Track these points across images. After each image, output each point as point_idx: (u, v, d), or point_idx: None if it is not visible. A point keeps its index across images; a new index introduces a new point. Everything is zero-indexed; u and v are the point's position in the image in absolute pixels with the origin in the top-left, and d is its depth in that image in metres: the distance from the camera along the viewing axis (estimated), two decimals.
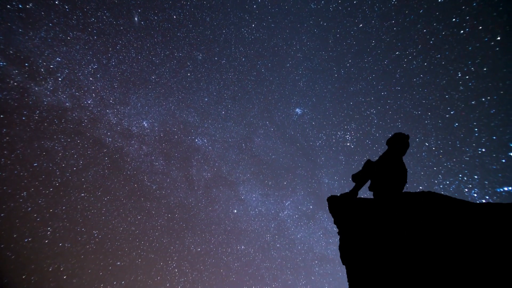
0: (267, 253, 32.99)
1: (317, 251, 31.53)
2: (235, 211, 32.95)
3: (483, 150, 22.99)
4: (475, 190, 23.47)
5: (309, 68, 29.93)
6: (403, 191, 4.08)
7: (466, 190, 23.82)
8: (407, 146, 4.17)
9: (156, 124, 30.68)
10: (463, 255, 2.57)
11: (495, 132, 22.48)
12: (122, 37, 26.86)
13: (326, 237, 31.04)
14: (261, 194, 32.41)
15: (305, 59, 29.55)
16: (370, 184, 4.32)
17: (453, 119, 24.07)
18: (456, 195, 24.09)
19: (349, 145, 29.41)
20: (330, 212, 4.38)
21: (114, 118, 29.41)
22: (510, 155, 21.85)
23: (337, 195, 4.45)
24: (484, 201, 23.21)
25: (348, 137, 29.16)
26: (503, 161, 22.10)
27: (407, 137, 4.18)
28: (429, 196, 3.40)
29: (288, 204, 32.13)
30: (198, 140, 31.91)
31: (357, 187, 4.34)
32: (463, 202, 3.13)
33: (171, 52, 28.61)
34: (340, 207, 4.21)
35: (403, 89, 25.77)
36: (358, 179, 4.35)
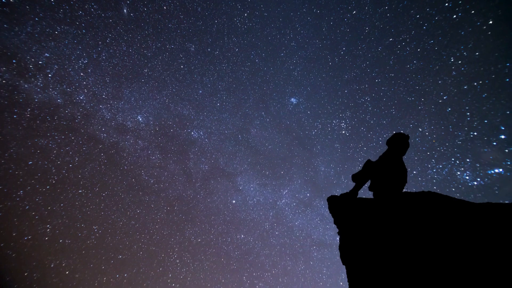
0: (266, 240, 33.74)
1: (315, 237, 32.35)
2: (234, 201, 33.39)
3: (475, 133, 23.52)
4: (467, 173, 24.13)
5: (303, 57, 29.81)
6: (403, 191, 4.08)
7: (459, 173, 24.48)
8: (407, 146, 4.18)
9: (151, 118, 30.48)
10: (463, 255, 2.59)
11: (486, 115, 22.94)
12: (111, 30, 26.24)
13: (324, 223, 31.80)
14: (258, 184, 32.84)
15: (299, 48, 29.36)
16: (370, 184, 4.33)
17: (446, 104, 24.44)
18: (448, 178, 24.81)
19: (345, 133, 29.75)
20: (330, 212, 4.37)
21: (108, 114, 29.11)
22: (501, 137, 22.40)
23: (337, 195, 4.46)
24: (475, 183, 23.88)
25: (343, 125, 29.47)
26: (494, 144, 22.65)
27: (407, 137, 4.19)
28: (429, 196, 3.41)
29: (285, 193, 32.68)
30: (194, 133, 31.88)
31: (357, 187, 4.31)
32: (463, 202, 3.15)
33: (162, 44, 28.12)
34: (340, 207, 4.20)
35: (396, 76, 25.94)
36: (358, 179, 4.34)
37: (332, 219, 4.38)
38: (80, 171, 30.55)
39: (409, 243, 3.01)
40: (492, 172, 22.93)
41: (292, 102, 31.09)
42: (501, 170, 22.56)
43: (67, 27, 24.81)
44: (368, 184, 4.43)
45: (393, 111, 26.81)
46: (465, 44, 22.51)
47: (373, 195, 4.26)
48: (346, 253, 3.78)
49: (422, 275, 2.72)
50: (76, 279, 31.37)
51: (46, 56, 25.07)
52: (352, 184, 4.44)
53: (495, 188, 22.80)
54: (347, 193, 4.36)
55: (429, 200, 3.33)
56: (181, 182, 32.97)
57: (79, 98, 27.66)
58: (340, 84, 28.92)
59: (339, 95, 29.29)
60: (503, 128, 22.20)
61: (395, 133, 4.28)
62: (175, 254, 33.46)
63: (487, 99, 22.69)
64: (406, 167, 4.15)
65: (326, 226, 31.60)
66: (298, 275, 33.01)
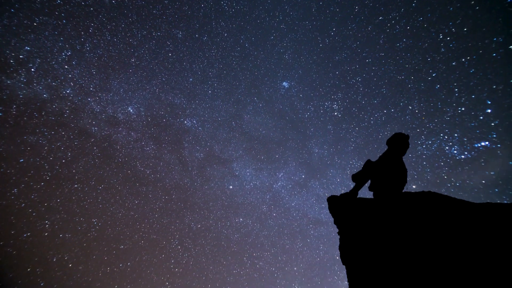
0: (264, 222, 34.75)
1: (311, 216, 33.48)
2: (231, 187, 33.92)
3: (463, 109, 24.22)
4: (455, 147, 25.05)
5: (293, 40, 29.41)
6: (403, 191, 4.09)
7: (447, 148, 25.39)
8: (407, 146, 4.20)
9: (142, 109, 30.02)
10: (463, 255, 2.60)
11: (474, 91, 23.55)
12: (93, 19, 25.15)
13: (319, 202, 32.86)
14: (254, 169, 33.31)
15: (288, 30, 28.90)
16: (370, 184, 4.33)
17: (435, 81, 24.89)
18: (437, 153, 25.72)
19: (337, 115, 30.11)
20: (330, 212, 4.37)
21: (97, 106, 28.48)
22: (487, 111, 23.15)
23: (337, 195, 4.45)
24: (463, 156, 24.84)
25: (336, 107, 29.77)
26: (481, 118, 23.44)
27: (407, 137, 4.22)
28: (429, 196, 3.43)
29: (281, 176, 33.35)
30: (187, 122, 31.67)
31: (357, 187, 4.32)
32: (463, 202, 3.17)
33: (148, 32, 27.21)
34: (340, 207, 4.20)
35: (386, 55, 26.06)
36: (358, 179, 4.34)
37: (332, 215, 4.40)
38: (74, 166, 30.29)
39: (409, 243, 3.02)
40: (479, 145, 23.88)
41: (284, 86, 31.05)
42: (487, 143, 23.50)
43: (46, 18, 23.68)
44: (368, 184, 4.44)
45: (383, 91, 27.18)
46: (453, 20, 22.64)
47: (373, 195, 4.27)
48: (346, 253, 3.78)
49: (422, 275, 2.73)
50: (80, 271, 31.93)
51: (27, 49, 24.05)
52: (352, 184, 4.45)
53: (481, 161, 23.86)
54: (347, 193, 4.36)
55: (429, 200, 3.35)
56: (177, 171, 33.15)
57: (66, 92, 26.90)
58: (331, 66, 28.92)
59: (330, 77, 29.36)
60: (489, 102, 22.91)
61: (395, 133, 4.31)
62: (176, 241, 34.27)
63: (474, 75, 23.20)
64: (406, 167, 4.19)
65: (321, 205, 32.69)
66: (296, 252, 34.43)
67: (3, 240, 29.39)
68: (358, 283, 3.38)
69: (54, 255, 31.17)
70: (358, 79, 27.85)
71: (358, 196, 4.31)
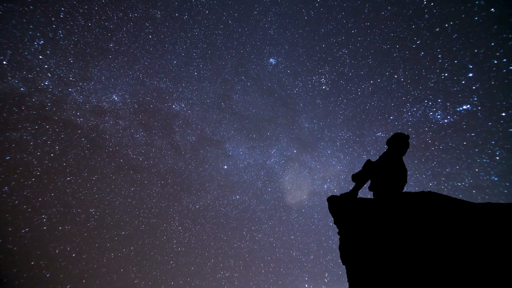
0: (260, 198, 35.96)
1: (304, 188, 34.82)
2: (225, 167, 34.46)
3: (446, 74, 24.87)
4: (438, 113, 26.04)
5: (277, 14, 28.50)
6: (403, 191, 4.10)
7: (431, 113, 26.36)
8: (407, 146, 4.20)
9: (127, 96, 29.16)
10: (463, 255, 2.61)
11: (456, 56, 24.06)
12: (63, 3, 23.38)
13: (311, 174, 34.07)
14: (247, 148, 33.74)
15: (272, 3, 27.88)
16: (370, 184, 4.33)
17: (419, 48, 25.17)
18: (422, 120, 26.76)
19: (325, 88, 30.27)
20: (330, 212, 4.37)
21: (79, 97, 27.43)
22: (469, 76, 23.91)
23: (337, 195, 4.45)
24: (446, 121, 25.97)
25: (323, 80, 29.83)
26: (463, 82, 24.23)
27: (407, 137, 4.22)
28: (429, 196, 3.44)
29: (273, 152, 34.02)
30: (176, 106, 31.14)
31: (357, 187, 4.33)
32: (463, 202, 3.19)
33: (124, 14, 25.64)
34: (340, 207, 4.20)
35: (372, 24, 25.86)
36: (358, 179, 4.35)
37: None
38: (64, 159, 29.77)
39: (409, 243, 3.04)
40: (461, 109, 24.90)
41: (271, 63, 30.60)
42: (468, 106, 24.52)
43: (11, 5, 21.83)
44: (368, 184, 4.46)
45: (370, 61, 27.31)
46: None
47: (373, 195, 4.28)
48: (346, 253, 3.78)
49: (422, 275, 2.75)
50: (84, 259, 32.66)
51: None
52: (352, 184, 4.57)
53: (463, 124, 25.01)
54: (347, 193, 4.38)
55: (429, 200, 3.37)
56: (171, 155, 33.18)
57: (44, 84, 25.64)
58: (317, 39, 28.50)
59: (317, 51, 29.05)
60: (471, 67, 23.58)
61: (395, 133, 4.32)
62: (176, 223, 35.23)
63: (457, 40, 23.57)
64: (406, 167, 4.22)
65: (313, 177, 33.94)
66: (293, 222, 36.18)
67: (2, 238, 29.39)
68: (358, 283, 3.40)
69: (56, 247, 31.59)
70: (345, 51, 27.77)
71: (358, 196, 4.34)
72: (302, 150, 33.47)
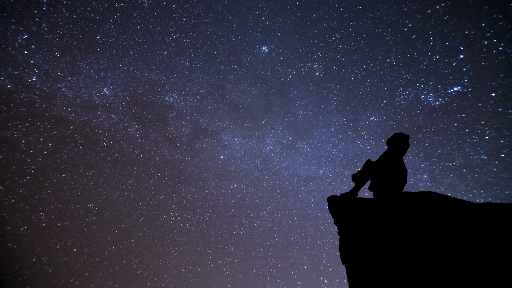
0: (257, 185, 36.49)
1: (300, 174, 35.33)
2: (222, 156, 34.63)
3: (437, 57, 25.05)
4: (430, 95, 26.40)
5: None
6: (403, 191, 4.11)
7: (423, 96, 26.72)
8: (407, 146, 4.21)
9: (118, 90, 28.62)
10: (463, 255, 2.61)
11: (447, 38, 24.16)
12: None
13: (307, 160, 34.50)
14: (243, 137, 33.81)
15: None
16: (370, 184, 4.33)
17: (411, 31, 25.14)
18: (414, 102, 27.14)
19: (318, 75, 30.18)
20: (330, 212, 4.36)
21: (69, 92, 26.83)
22: (460, 57, 24.15)
23: (337, 195, 4.45)
24: (437, 103, 26.43)
25: (316, 67, 29.68)
26: (454, 64, 24.49)
27: (407, 137, 4.23)
28: (429, 196, 3.44)
29: (269, 140, 34.20)
30: (169, 98, 30.77)
31: (357, 187, 4.33)
32: (463, 202, 3.19)
33: (110, 4, 24.70)
34: (340, 207, 4.19)
35: (364, 8, 25.57)
36: (358, 179, 4.36)
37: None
38: (58, 155, 29.50)
39: (409, 243, 3.03)
40: (452, 90, 25.28)
41: (264, 51, 30.16)
42: (459, 87, 24.91)
43: None
44: (368, 184, 4.47)
45: (362, 46, 27.20)
46: None
47: (373, 195, 4.29)
48: (346, 253, 3.78)
49: (422, 275, 2.75)
50: (85, 253, 33.08)
51: None
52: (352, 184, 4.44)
53: (454, 105, 25.48)
54: (347, 193, 4.37)
55: (429, 200, 3.38)
56: (166, 148, 33.14)
57: (32, 80, 24.95)
58: (310, 25, 28.08)
59: (309, 37, 28.70)
60: (462, 48, 23.77)
61: (395, 133, 4.33)
62: (176, 213, 35.68)
63: (448, 21, 23.59)
64: (406, 167, 4.24)
65: (309, 163, 34.40)
66: (290, 208, 36.98)
67: (1, 237, 29.40)
68: (358, 283, 3.40)
69: (57, 243, 31.84)
70: (337, 36, 27.51)
71: (358, 196, 4.34)
72: (297, 137, 33.76)
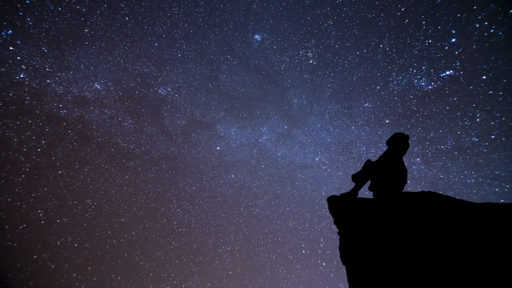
0: (254, 175, 36.87)
1: (297, 162, 35.74)
2: (218, 148, 34.70)
3: (430, 41, 25.13)
4: (423, 80, 26.63)
5: None
6: (403, 191, 4.11)
7: (416, 81, 26.95)
8: (407, 146, 4.21)
9: (110, 84, 28.06)
10: (463, 255, 2.60)
11: (440, 21, 24.18)
12: None
13: (303, 148, 34.86)
14: (238, 128, 33.82)
15: None
16: (370, 184, 4.34)
17: (404, 16, 25.04)
18: (407, 88, 27.38)
19: (312, 62, 30.02)
20: (330, 212, 4.35)
21: (59, 88, 26.23)
22: (452, 41, 24.27)
23: (337, 195, 4.43)
24: (430, 87, 26.74)
25: (310, 55, 29.49)
26: (446, 48, 24.64)
27: (407, 137, 4.22)
28: (429, 196, 3.43)
29: (265, 130, 34.30)
30: (162, 90, 30.35)
31: (357, 187, 4.32)
32: (463, 202, 3.18)
33: None
34: (340, 207, 4.18)
35: None
36: (358, 179, 4.36)
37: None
38: (52, 152, 29.17)
39: (409, 243, 3.03)
40: (444, 74, 25.53)
41: (257, 39, 29.72)
42: (451, 71, 25.16)
43: None
44: (368, 184, 4.47)
45: (355, 32, 27.03)
46: None
47: (373, 195, 4.28)
48: (346, 253, 3.77)
49: (422, 275, 2.74)
50: (86, 248, 33.36)
51: None
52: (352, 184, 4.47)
53: (446, 89, 25.81)
54: (347, 193, 4.37)
55: (429, 200, 3.37)
56: (162, 141, 32.98)
57: (20, 77, 24.27)
58: (302, 11, 27.66)
59: (302, 24, 28.33)
60: (454, 32, 23.86)
61: (395, 133, 4.32)
62: (175, 205, 35.99)
63: (441, 5, 23.55)
64: (406, 167, 4.24)
65: (305, 151, 34.78)
66: (287, 195, 37.59)
67: (1, 236, 29.39)
68: (358, 283, 3.40)
69: (57, 239, 31.98)
70: (330, 22, 27.22)
71: (358, 196, 4.34)
72: (293, 125, 33.91)
